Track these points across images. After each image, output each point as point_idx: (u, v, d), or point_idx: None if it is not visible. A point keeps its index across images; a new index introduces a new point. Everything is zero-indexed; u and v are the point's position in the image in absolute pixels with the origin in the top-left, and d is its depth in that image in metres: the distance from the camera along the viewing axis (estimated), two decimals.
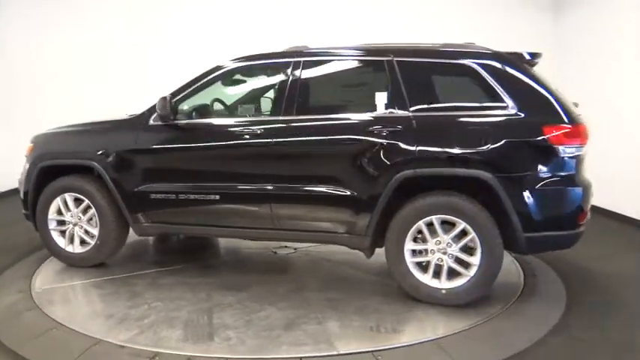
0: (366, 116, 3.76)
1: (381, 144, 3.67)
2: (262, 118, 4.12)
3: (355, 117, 3.82)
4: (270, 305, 3.67)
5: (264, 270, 4.48)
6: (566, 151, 3.47)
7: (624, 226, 5.82)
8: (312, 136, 3.87)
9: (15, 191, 6.70)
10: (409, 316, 3.53)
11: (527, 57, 3.76)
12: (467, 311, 3.55)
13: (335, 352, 3.01)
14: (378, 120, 3.71)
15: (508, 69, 3.65)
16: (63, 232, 4.48)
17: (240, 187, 3.99)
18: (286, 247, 4.91)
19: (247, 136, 3.93)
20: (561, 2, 7.31)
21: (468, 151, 3.54)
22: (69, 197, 4.40)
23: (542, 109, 3.55)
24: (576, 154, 3.51)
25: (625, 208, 5.98)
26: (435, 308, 3.60)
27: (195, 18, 7.70)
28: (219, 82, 4.23)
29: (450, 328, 3.34)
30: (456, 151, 3.56)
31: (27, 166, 4.53)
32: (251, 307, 3.63)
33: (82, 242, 4.44)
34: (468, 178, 3.56)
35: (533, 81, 3.61)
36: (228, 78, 4.23)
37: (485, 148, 3.51)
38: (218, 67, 4.15)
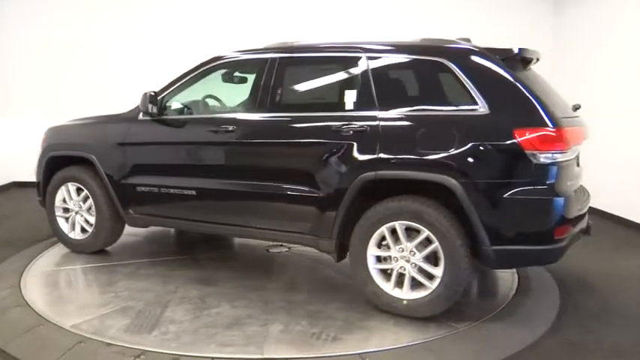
0: (334, 115, 3.62)
1: (346, 144, 3.52)
2: (235, 115, 4.10)
3: (323, 116, 3.69)
4: (228, 302, 3.65)
5: (247, 267, 4.47)
6: (541, 157, 3.12)
7: (619, 227, 5.89)
8: (279, 135, 3.81)
9: (9, 185, 7.31)
10: (361, 324, 3.36)
11: (515, 53, 3.43)
12: (457, 313, 3.46)
13: (259, 356, 2.93)
14: (344, 119, 3.56)
15: (483, 66, 3.35)
16: (67, 219, 4.77)
17: (212, 183, 4.02)
18: (282, 245, 4.87)
19: (219, 133, 3.94)
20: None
21: (432, 153, 3.30)
22: (72, 186, 4.67)
23: (516, 111, 3.22)
24: (556, 160, 3.15)
25: (621, 209, 5.99)
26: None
27: (192, 15, 7.79)
28: (208, 79, 4.28)
29: (438, 331, 3.26)
30: (419, 153, 3.33)
31: (39, 155, 4.87)
32: (208, 303, 3.64)
33: (83, 230, 4.70)
34: (430, 182, 3.32)
35: (512, 79, 3.28)
36: (213, 74, 4.24)
37: (450, 151, 3.25)
38: (201, 65, 4.20)
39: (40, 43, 7.90)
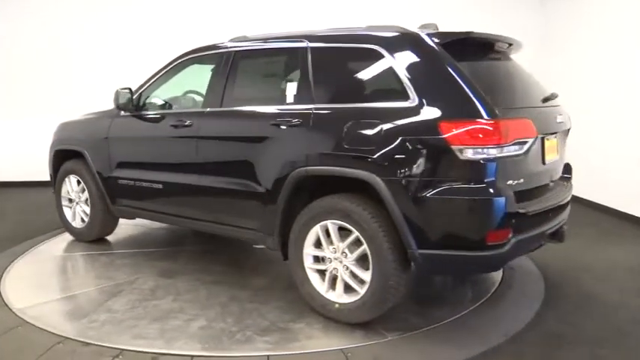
0: (274, 109, 3.51)
1: (283, 139, 3.40)
2: (193, 110, 4.11)
3: (264, 109, 3.59)
4: (173, 295, 3.69)
5: (220, 262, 4.45)
6: (469, 152, 2.78)
7: (605, 216, 5.96)
8: (227, 129, 3.77)
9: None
10: (285, 326, 3.23)
11: (458, 36, 3.09)
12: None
13: (159, 351, 2.92)
14: (282, 113, 3.43)
15: (416, 53, 3.06)
16: (71, 209, 5.10)
17: (175, 177, 4.08)
18: None
19: (179, 128, 3.98)
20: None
21: (357, 149, 3.07)
22: (73, 178, 4.98)
23: (446, 102, 2.90)
24: (489, 156, 2.79)
25: (606, 198, 6.08)
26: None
27: (187, 12, 7.76)
28: (185, 73, 4.34)
29: (421, 324, 3.23)
30: (344, 149, 3.12)
31: (49, 149, 5.24)
32: (155, 295, 3.70)
33: (83, 220, 5.00)
34: (356, 179, 3.09)
35: (445, 67, 2.95)
36: (180, 70, 4.29)
37: (374, 146, 3.00)
38: (173, 60, 4.27)
39: (13, 43, 7.80)
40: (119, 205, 4.61)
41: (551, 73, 6.59)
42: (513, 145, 2.85)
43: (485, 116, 2.79)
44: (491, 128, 2.77)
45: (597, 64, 6.33)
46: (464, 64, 3.00)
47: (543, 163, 3.22)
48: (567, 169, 3.84)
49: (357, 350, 2.95)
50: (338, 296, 3.26)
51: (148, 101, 4.35)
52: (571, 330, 3.24)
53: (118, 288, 3.85)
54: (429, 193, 2.86)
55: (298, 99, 3.42)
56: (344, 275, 3.22)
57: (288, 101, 3.47)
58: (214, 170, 3.82)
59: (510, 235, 2.88)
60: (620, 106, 5.90)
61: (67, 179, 5.03)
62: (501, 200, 2.81)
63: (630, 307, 3.61)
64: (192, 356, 2.88)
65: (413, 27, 3.29)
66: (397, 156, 2.93)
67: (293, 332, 3.16)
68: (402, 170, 2.92)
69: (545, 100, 3.36)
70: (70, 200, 5.07)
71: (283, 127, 3.38)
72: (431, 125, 2.85)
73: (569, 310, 3.54)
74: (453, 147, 2.79)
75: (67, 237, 5.14)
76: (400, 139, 2.94)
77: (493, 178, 2.81)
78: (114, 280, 4.02)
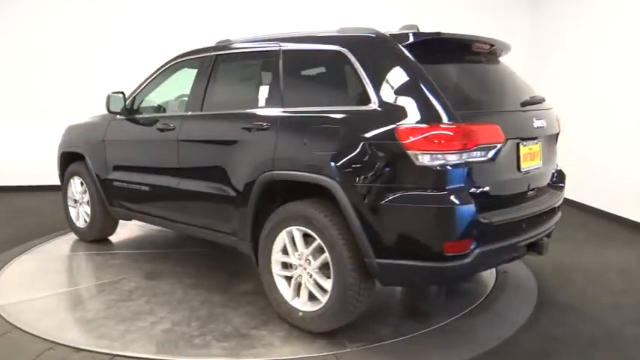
0: (246, 112, 3.48)
1: (253, 143, 3.37)
2: (177, 114, 4.14)
3: (238, 113, 3.56)
4: (149, 297, 3.72)
5: (211, 265, 4.46)
6: (425, 158, 2.66)
7: (598, 219, 6.00)
8: (204, 133, 3.78)
9: None
10: (247, 333, 3.18)
11: (425, 37, 2.97)
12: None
13: (113, 352, 2.93)
14: (253, 117, 3.40)
15: (379, 55, 2.98)
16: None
17: (160, 180, 4.12)
18: None
19: (164, 132, 4.02)
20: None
21: (318, 153, 3.01)
22: (77, 180, 5.13)
23: (405, 106, 2.79)
24: (447, 162, 2.66)
25: (597, 200, 6.13)
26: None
27: (191, 15, 7.72)
28: (177, 76, 4.39)
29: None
30: (308, 152, 3.06)
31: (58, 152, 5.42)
32: (132, 296, 3.74)
33: (85, 220, 5.14)
34: (317, 185, 3.02)
35: (408, 70, 2.84)
36: (171, 74, 4.33)
37: (334, 150, 2.93)
38: (163, 65, 4.33)
39: (11, 44, 7.73)
40: (116, 207, 4.70)
41: (543, 76, 6.83)
42: (476, 151, 2.71)
43: (444, 121, 2.66)
44: (449, 133, 2.64)
45: (588, 68, 6.38)
46: (432, 67, 2.90)
47: (519, 170, 3.04)
48: (559, 176, 3.62)
49: None
50: (302, 304, 3.19)
51: (140, 105, 4.42)
52: (564, 332, 3.23)
53: (100, 288, 3.92)
54: (385, 201, 2.75)
55: (269, 102, 3.39)
56: (307, 283, 3.15)
57: (260, 105, 3.44)
58: (193, 173, 3.84)
59: (473, 246, 2.72)
60: (611, 109, 5.94)
61: (72, 180, 5.19)
62: (460, 209, 2.67)
63: (623, 308, 3.61)
64: (145, 359, 2.88)
65: (396, 29, 3.18)
66: (356, 161, 2.84)
67: (253, 339, 3.10)
68: (360, 176, 2.83)
69: (525, 104, 3.17)
70: (75, 201, 5.22)
71: (253, 130, 3.35)
72: (388, 130, 2.75)
73: (562, 312, 3.53)
74: (410, 153, 2.68)
75: (71, 237, 5.28)
76: (359, 144, 2.84)
77: (452, 186, 2.67)
78: (100, 279, 4.10)
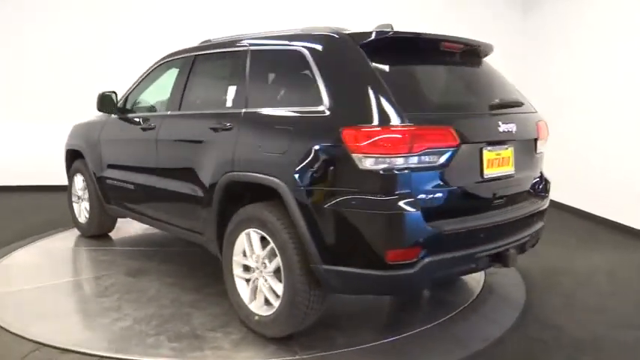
0: (214, 113, 3.47)
1: (218, 144, 3.36)
2: (158, 113, 4.17)
3: (207, 113, 3.56)
4: (122, 294, 3.76)
5: (194, 264, 4.46)
6: (368, 161, 2.55)
7: (584, 221, 6.07)
8: (178, 132, 3.80)
9: None
10: (202, 334, 3.15)
11: (379, 36, 2.83)
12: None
13: (65, 346, 2.95)
14: (219, 117, 3.39)
15: (333, 55, 2.89)
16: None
17: (142, 178, 4.17)
18: None
19: (146, 131, 4.07)
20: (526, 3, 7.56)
21: (271, 154, 2.96)
22: (79, 177, 5.27)
23: (351, 107, 2.71)
24: (394, 167, 2.54)
25: (584, 203, 6.19)
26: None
27: (181, 17, 7.71)
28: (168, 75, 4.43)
29: (403, 330, 3.20)
30: (262, 154, 3.01)
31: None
32: (106, 292, 3.79)
33: (86, 216, 5.28)
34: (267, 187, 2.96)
35: (358, 70, 2.75)
36: (160, 73, 4.38)
37: (284, 152, 2.87)
38: (153, 65, 4.38)
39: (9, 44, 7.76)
40: (111, 205, 4.79)
41: (535, 79, 6.95)
42: (423, 155, 2.57)
43: (389, 123, 2.54)
44: (394, 136, 2.53)
45: (578, 70, 6.36)
46: (391, 67, 2.80)
47: (482, 176, 2.87)
48: (541, 184, 3.41)
49: None
50: (258, 308, 3.14)
51: (131, 104, 4.50)
52: (551, 334, 3.23)
53: (79, 283, 4.03)
54: (330, 205, 2.66)
55: (236, 103, 3.36)
56: (263, 287, 3.10)
57: (227, 105, 3.42)
58: (168, 172, 3.87)
59: (420, 256, 2.59)
60: (598, 112, 5.95)
61: (75, 177, 5.34)
62: (404, 216, 2.55)
63: (609, 311, 3.61)
64: (93, 355, 2.90)
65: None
66: (303, 164, 2.77)
67: (204, 341, 3.07)
68: (307, 179, 2.75)
69: (494, 107, 2.99)
70: (79, 197, 5.37)
71: (219, 131, 3.34)
72: (334, 132, 2.66)
73: (549, 314, 3.54)
74: (353, 156, 2.58)
75: (73, 233, 5.43)
76: (307, 146, 2.77)
77: (396, 191, 2.55)
78: (83, 275, 4.23)
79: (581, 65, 6.30)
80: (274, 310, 3.00)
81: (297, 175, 2.78)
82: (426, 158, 2.59)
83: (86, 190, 5.14)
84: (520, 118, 3.12)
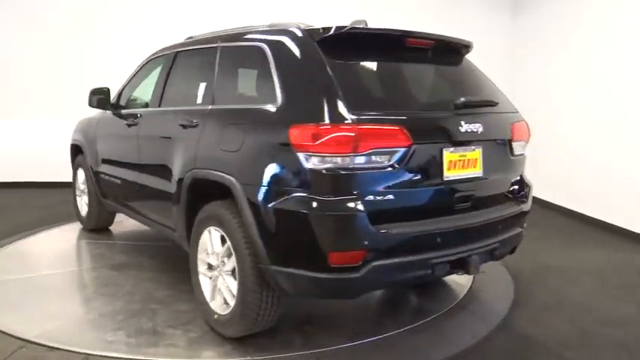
0: (184, 110, 3.46)
1: (184, 140, 3.35)
2: (140, 110, 4.19)
3: (179, 110, 3.55)
4: (99, 287, 3.82)
5: (183, 260, 4.46)
6: (312, 160, 2.48)
7: (572, 220, 6.13)
8: (153, 128, 3.83)
9: None
10: (162, 331, 3.14)
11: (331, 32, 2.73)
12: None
13: (23, 337, 3.00)
14: (188, 114, 3.38)
15: (289, 52, 2.82)
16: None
17: (126, 173, 4.22)
18: None
19: (130, 127, 4.11)
20: (518, 2, 7.59)
21: (224, 151, 2.93)
22: (81, 171, 5.39)
23: (300, 105, 2.65)
24: (338, 166, 2.46)
25: (573, 202, 6.27)
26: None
27: (180, 14, 7.63)
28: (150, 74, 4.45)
29: (392, 327, 3.21)
30: (217, 151, 2.98)
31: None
32: (84, 285, 3.91)
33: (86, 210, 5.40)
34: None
35: (309, 67, 2.69)
36: (150, 70, 4.40)
37: (237, 149, 2.84)
38: (142, 62, 4.43)
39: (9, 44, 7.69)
40: (107, 199, 4.87)
41: (519, 79, 7.17)
42: (370, 155, 2.47)
43: (334, 121, 2.46)
44: (337, 135, 2.44)
45: (567, 71, 6.40)
46: (347, 64, 2.74)
47: (442, 178, 2.74)
48: (519, 188, 3.23)
49: None
50: (218, 307, 3.11)
51: (122, 101, 4.55)
52: (539, 332, 3.25)
53: (64, 275, 4.10)
54: (276, 204, 2.60)
55: (204, 100, 3.35)
56: (222, 286, 3.06)
57: (197, 102, 3.41)
58: (147, 168, 3.90)
59: (366, 259, 2.49)
60: (587, 110, 6.00)
61: (78, 171, 5.47)
62: (347, 217, 2.46)
63: (597, 309, 3.63)
64: (49, 347, 2.92)
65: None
66: (254, 161, 2.73)
67: (162, 338, 3.05)
68: (258, 177, 2.70)
69: (459, 106, 2.84)
70: (81, 191, 5.50)
71: (187, 128, 3.33)
72: (282, 130, 2.59)
73: (537, 312, 3.55)
74: (299, 154, 2.51)
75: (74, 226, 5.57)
76: (258, 143, 2.74)
77: (338, 192, 2.47)
78: (71, 267, 4.29)
79: (562, 70, 6.42)
80: (230, 309, 2.97)
81: (248, 173, 2.74)
82: (374, 158, 2.49)
83: (87, 185, 5.26)
84: (490, 118, 2.97)
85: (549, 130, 6.36)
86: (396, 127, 2.53)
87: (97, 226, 5.33)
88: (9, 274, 4.09)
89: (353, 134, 2.43)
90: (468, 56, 3.34)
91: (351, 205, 2.46)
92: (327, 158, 2.45)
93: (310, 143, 2.47)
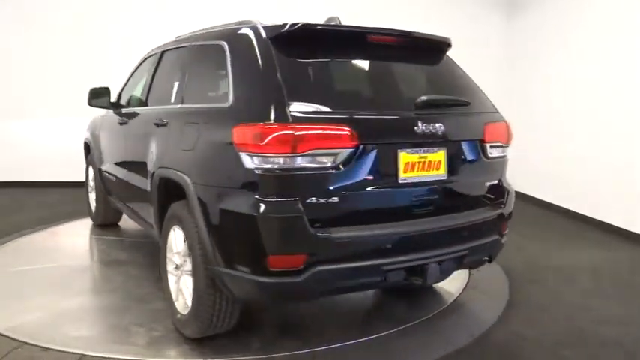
0: (159, 109, 3.49)
1: (156, 138, 3.38)
2: (129, 109, 4.25)
3: (155, 109, 3.58)
4: (97, 284, 4.02)
5: None
6: (252, 161, 2.42)
7: (568, 220, 6.11)
8: (135, 127, 3.89)
9: None
10: (145, 332, 3.12)
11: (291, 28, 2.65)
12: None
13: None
14: (161, 113, 3.40)
15: (244, 50, 2.77)
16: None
17: (118, 171, 4.31)
18: None
19: (121, 126, 4.19)
20: (514, 3, 7.61)
21: (181, 150, 2.93)
22: (91, 169, 5.56)
23: (245, 104, 2.61)
24: (277, 167, 2.39)
25: (568, 201, 6.27)
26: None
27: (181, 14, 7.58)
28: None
29: (386, 327, 3.20)
30: (176, 150, 2.98)
31: None
32: (74, 281, 3.97)
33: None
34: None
35: (257, 65, 2.62)
36: (142, 71, 4.46)
37: (190, 148, 2.83)
38: (139, 61, 4.50)
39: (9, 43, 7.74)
40: (110, 196, 4.98)
41: (524, 81, 7.21)
42: (311, 156, 2.39)
43: (273, 121, 2.39)
44: (276, 135, 2.36)
45: (566, 71, 6.35)
46: (301, 62, 2.68)
47: (397, 180, 2.61)
48: (497, 192, 3.04)
49: None
50: (180, 306, 3.10)
51: (121, 100, 4.64)
52: (535, 331, 3.24)
53: (60, 269, 4.21)
54: (221, 205, 2.57)
55: (176, 99, 3.36)
56: (183, 285, 3.05)
57: (171, 101, 3.42)
58: (132, 166, 3.96)
59: (307, 263, 2.41)
60: (581, 111, 6.03)
61: (89, 169, 5.64)
62: (285, 219, 2.39)
63: (592, 308, 3.62)
64: (21, 341, 2.97)
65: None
66: (205, 161, 2.71)
67: (125, 335, 3.07)
68: (206, 177, 2.69)
69: (420, 105, 2.70)
70: (92, 188, 5.66)
71: (160, 127, 3.35)
72: (227, 129, 2.55)
73: (533, 311, 3.55)
74: (242, 154, 2.46)
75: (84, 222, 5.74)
76: (208, 142, 2.72)
77: (277, 193, 2.40)
78: (69, 261, 4.42)
79: (562, 71, 6.37)
80: (188, 310, 2.95)
81: (199, 173, 2.73)
82: (316, 159, 2.40)
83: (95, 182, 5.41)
84: (457, 119, 2.80)
85: (549, 131, 6.47)
86: (340, 127, 2.43)
87: (104, 222, 5.47)
88: (7, 267, 4.25)
89: (292, 134, 2.35)
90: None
91: (291, 207, 2.38)
92: (268, 159, 2.39)
93: (252, 143, 2.41)
